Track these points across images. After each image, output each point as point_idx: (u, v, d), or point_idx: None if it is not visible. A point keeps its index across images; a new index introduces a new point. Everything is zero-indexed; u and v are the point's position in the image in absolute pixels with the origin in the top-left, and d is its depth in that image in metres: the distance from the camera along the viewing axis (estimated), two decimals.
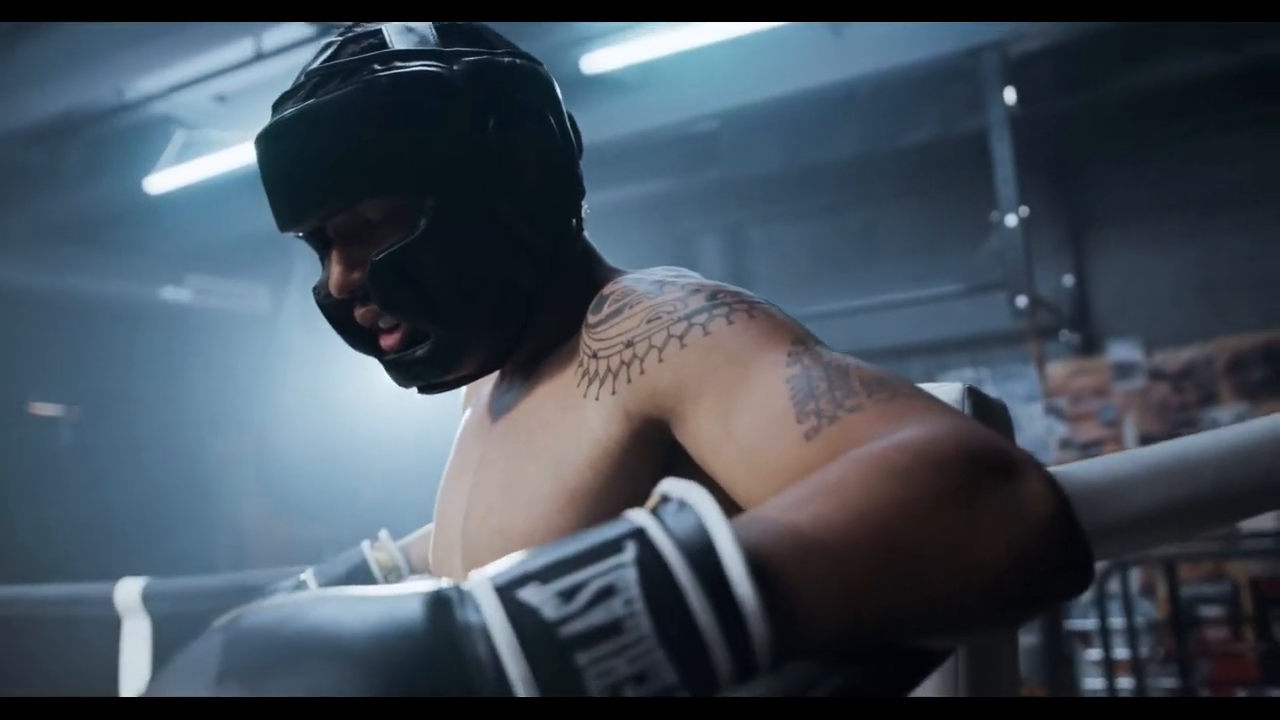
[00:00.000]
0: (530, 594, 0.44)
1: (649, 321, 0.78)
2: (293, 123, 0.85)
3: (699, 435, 0.73)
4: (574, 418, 0.83)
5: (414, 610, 0.44)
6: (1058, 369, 5.30)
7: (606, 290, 0.85)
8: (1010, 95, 4.48)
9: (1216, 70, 4.62)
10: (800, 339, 0.73)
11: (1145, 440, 4.90)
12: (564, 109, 0.93)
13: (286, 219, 0.88)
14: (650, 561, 0.45)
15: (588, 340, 0.83)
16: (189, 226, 5.78)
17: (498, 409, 0.96)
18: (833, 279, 5.96)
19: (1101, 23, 4.25)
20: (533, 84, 0.90)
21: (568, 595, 0.44)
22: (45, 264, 5.93)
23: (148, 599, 1.73)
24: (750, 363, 0.71)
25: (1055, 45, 4.52)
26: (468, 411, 1.10)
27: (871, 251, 5.98)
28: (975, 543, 0.51)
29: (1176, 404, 5.07)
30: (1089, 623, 4.30)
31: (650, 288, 0.82)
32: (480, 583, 0.45)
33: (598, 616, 0.43)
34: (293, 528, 6.42)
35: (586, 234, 0.97)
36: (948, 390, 0.93)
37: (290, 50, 4.29)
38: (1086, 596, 3.82)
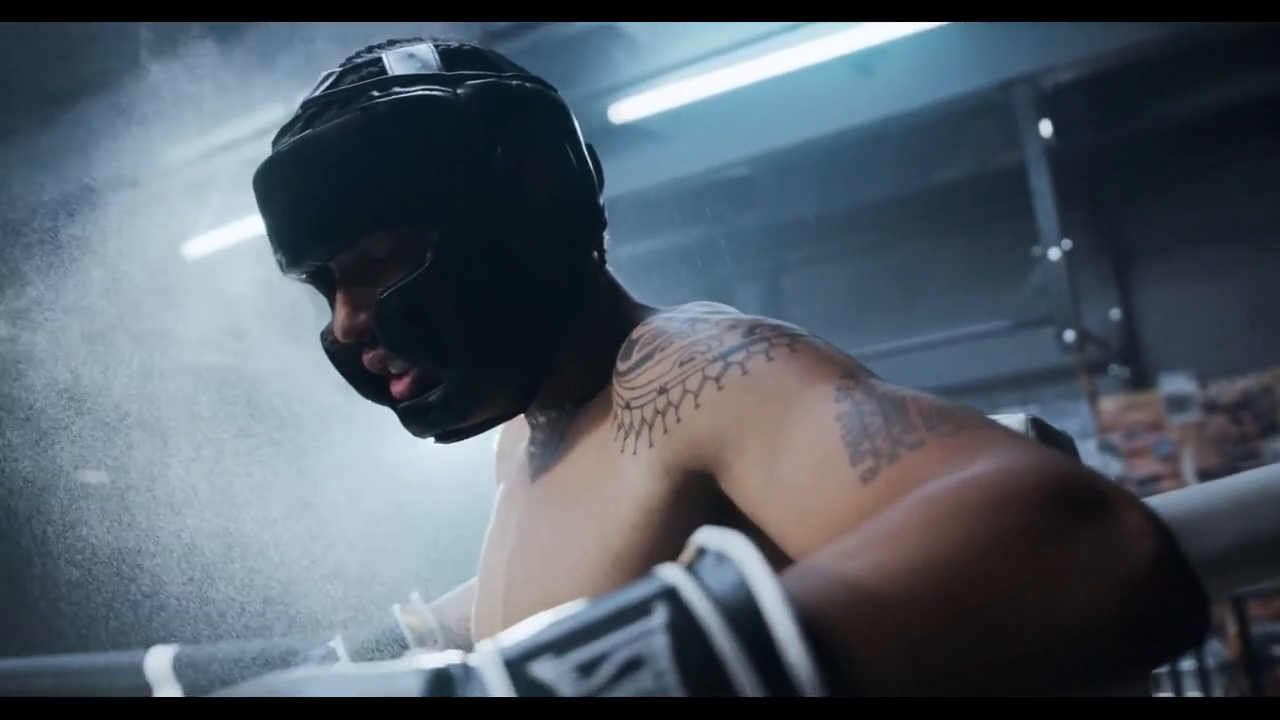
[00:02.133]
0: (544, 669, 0.38)
1: (682, 364, 0.72)
2: (288, 157, 0.79)
3: (745, 485, 0.67)
4: (613, 475, 0.77)
5: (411, 690, 0.38)
6: (1109, 404, 5.17)
7: (635, 334, 0.79)
8: (1046, 128, 4.41)
9: (1252, 95, 4.54)
10: (849, 371, 0.67)
11: (1205, 474, 4.75)
12: (579, 134, 0.87)
13: (287, 261, 0.83)
14: (684, 626, 0.38)
15: (619, 390, 0.77)
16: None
17: (535, 468, 0.90)
18: (874, 320, 5.87)
19: (1131, 53, 4.19)
20: (544, 108, 0.84)
21: (588, 669, 0.38)
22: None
23: (178, 668, 1.70)
24: (795, 401, 0.65)
25: (1088, 76, 4.46)
26: (504, 475, 1.04)
27: (913, 290, 5.89)
28: (1066, 589, 0.44)
29: (1235, 435, 4.92)
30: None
31: (682, 326, 0.76)
32: (488, 656, 0.39)
33: (623, 693, 0.37)
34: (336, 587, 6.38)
35: (610, 269, 0.91)
36: (1009, 422, 0.86)
37: None
38: None
